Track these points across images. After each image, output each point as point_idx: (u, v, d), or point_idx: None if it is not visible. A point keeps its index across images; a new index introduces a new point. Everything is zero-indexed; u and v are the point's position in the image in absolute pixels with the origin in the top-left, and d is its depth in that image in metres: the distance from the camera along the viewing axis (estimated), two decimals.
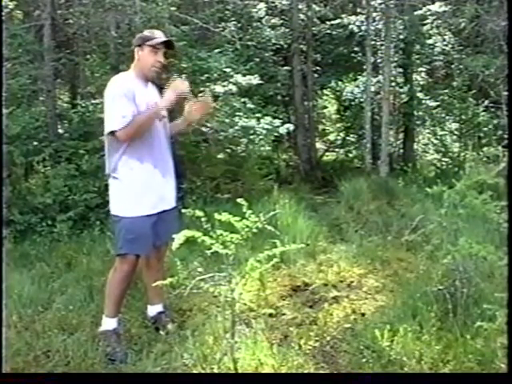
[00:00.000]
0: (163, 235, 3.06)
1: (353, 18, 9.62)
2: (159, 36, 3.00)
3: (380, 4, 8.54)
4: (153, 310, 3.30)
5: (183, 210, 2.56)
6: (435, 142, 10.00)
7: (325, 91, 11.44)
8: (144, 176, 2.97)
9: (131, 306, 3.43)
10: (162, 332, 3.06)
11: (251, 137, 6.77)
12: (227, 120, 6.53)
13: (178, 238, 2.29)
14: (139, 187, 2.96)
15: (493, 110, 8.71)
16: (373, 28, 8.68)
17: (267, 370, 2.63)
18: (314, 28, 9.98)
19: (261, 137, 6.82)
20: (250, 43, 8.66)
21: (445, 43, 9.46)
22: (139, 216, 2.95)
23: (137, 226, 2.96)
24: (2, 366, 2.64)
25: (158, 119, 3.03)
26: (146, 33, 3.05)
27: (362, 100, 9.49)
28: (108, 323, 3.04)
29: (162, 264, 3.30)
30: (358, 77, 10.11)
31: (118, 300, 3.07)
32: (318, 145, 11.28)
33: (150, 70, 3.00)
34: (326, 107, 12.20)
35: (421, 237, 3.99)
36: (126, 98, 2.87)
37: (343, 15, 9.92)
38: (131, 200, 2.97)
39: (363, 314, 3.44)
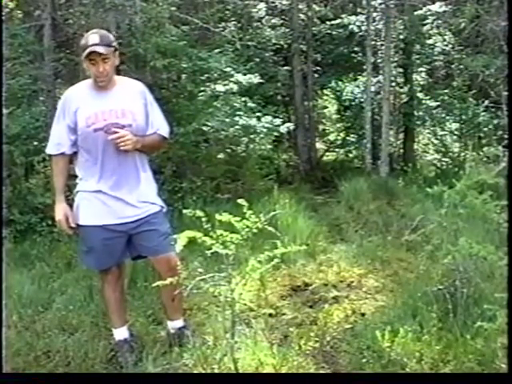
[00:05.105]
0: (152, 247, 2.87)
1: (353, 17, 9.62)
2: (91, 42, 2.68)
3: (380, 4, 8.54)
4: (174, 325, 3.04)
5: (184, 211, 2.54)
6: (435, 142, 9.99)
7: (325, 91, 11.42)
8: (89, 189, 2.83)
9: (131, 305, 3.43)
10: (189, 345, 2.84)
11: (252, 136, 6.78)
12: (227, 119, 6.53)
13: (181, 239, 2.28)
14: (86, 198, 2.85)
15: (493, 110, 8.69)
16: (373, 28, 8.68)
17: (267, 370, 2.63)
18: (314, 28, 9.98)
19: (261, 136, 6.82)
20: (250, 43, 8.68)
21: (445, 43, 9.47)
22: (87, 225, 2.83)
23: (87, 237, 2.88)
24: (2, 366, 2.64)
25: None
26: (82, 40, 2.75)
27: (362, 100, 9.49)
28: (117, 334, 3.00)
29: (175, 272, 2.70)
30: (358, 77, 10.10)
31: (115, 310, 2.98)
32: (318, 145, 11.27)
33: (96, 81, 2.76)
34: (326, 107, 12.18)
35: (421, 237, 4.00)
36: (62, 116, 2.79)
37: (343, 15, 9.91)
38: (80, 208, 2.86)
39: (363, 314, 3.44)
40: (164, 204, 2.97)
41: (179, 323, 3.05)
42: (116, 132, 2.71)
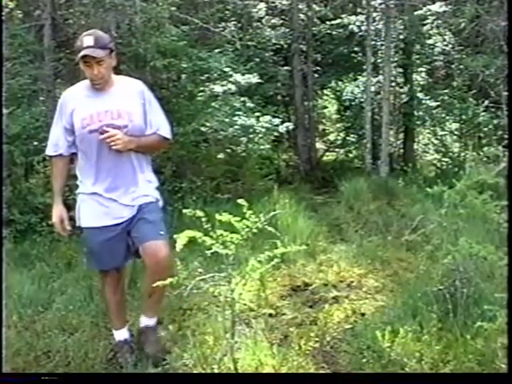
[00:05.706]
0: (138, 236, 2.78)
1: (353, 18, 9.64)
2: (85, 44, 2.63)
3: (380, 4, 8.55)
4: (143, 321, 2.90)
5: (184, 211, 2.54)
6: (435, 142, 10.01)
7: (325, 91, 11.44)
8: (86, 191, 2.85)
9: (131, 305, 3.42)
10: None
11: (251, 136, 6.79)
12: (227, 119, 6.54)
13: (180, 239, 2.28)
14: (84, 200, 2.88)
15: (493, 110, 8.70)
16: (373, 28, 8.69)
17: (267, 370, 2.63)
18: (314, 28, 10.00)
19: (260, 135, 6.83)
20: (250, 43, 8.70)
21: (445, 43, 9.48)
22: (86, 227, 2.87)
23: (87, 239, 2.91)
24: (2, 366, 2.64)
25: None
26: (77, 42, 2.70)
27: (362, 100, 9.50)
28: (117, 335, 2.99)
29: (163, 267, 2.64)
30: (358, 77, 10.11)
31: (115, 311, 2.98)
32: (318, 145, 11.28)
33: (93, 84, 2.72)
34: (326, 107, 12.19)
35: (421, 237, 4.00)
36: (59, 118, 2.79)
37: (343, 15, 9.92)
38: (80, 210, 2.90)
39: (363, 314, 3.44)
40: (160, 197, 2.91)
41: (149, 321, 2.87)
42: (107, 132, 2.68)
